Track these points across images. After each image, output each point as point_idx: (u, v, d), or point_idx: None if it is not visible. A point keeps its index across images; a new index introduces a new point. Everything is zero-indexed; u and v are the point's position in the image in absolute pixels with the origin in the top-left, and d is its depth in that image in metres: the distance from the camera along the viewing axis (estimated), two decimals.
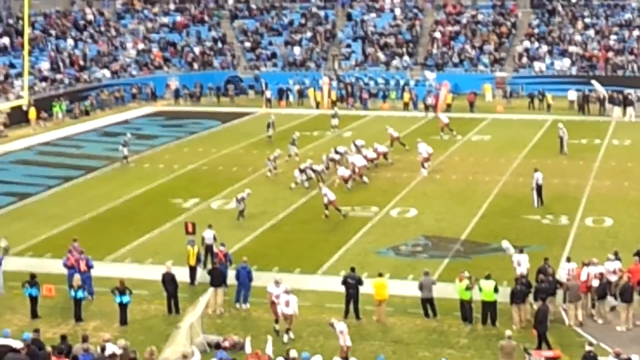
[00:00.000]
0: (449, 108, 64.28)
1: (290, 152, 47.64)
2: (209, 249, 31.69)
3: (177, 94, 71.00)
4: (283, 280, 27.46)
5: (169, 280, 28.22)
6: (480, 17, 78.47)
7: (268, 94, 68.53)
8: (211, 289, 27.60)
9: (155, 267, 31.88)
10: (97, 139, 56.07)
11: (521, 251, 29.32)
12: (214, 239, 31.94)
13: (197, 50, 77.35)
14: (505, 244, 31.72)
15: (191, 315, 24.81)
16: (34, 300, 28.15)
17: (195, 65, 75.73)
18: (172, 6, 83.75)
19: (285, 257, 33.18)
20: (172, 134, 57.14)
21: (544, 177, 39.51)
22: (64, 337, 23.40)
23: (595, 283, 27.00)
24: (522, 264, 28.66)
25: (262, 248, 34.26)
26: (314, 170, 43.43)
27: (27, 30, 57.28)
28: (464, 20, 78.21)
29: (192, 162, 48.80)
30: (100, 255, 32.26)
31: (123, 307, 27.53)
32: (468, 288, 26.77)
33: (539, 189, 39.23)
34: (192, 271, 30.51)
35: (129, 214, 39.35)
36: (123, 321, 27.42)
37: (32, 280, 28.28)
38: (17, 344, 22.51)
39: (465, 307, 26.98)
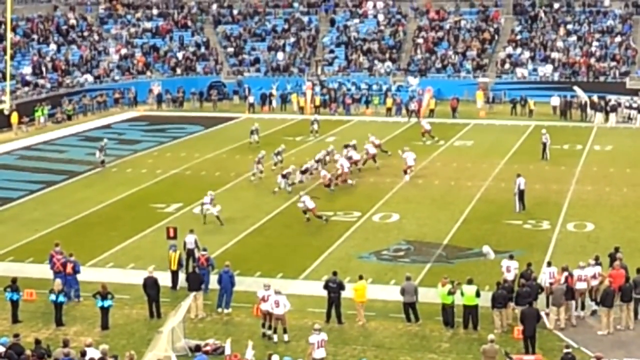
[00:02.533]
0: (432, 113, 64.49)
1: (275, 161, 47.49)
2: (190, 253, 31.64)
3: (159, 99, 70.89)
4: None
5: (150, 285, 28.13)
6: (463, 23, 78.73)
7: (251, 99, 68.51)
8: (192, 294, 27.54)
9: (137, 271, 31.82)
10: (79, 144, 55.92)
11: (511, 257, 29.36)
12: (196, 243, 31.89)
13: (180, 55, 77.28)
14: (485, 249, 31.82)
15: (172, 319, 24.74)
16: (15, 304, 28.02)
17: (178, 70, 75.68)
18: (155, 11, 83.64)
19: (268, 261, 33.16)
20: (155, 139, 57.04)
21: (526, 183, 39.65)
22: (38, 342, 23.32)
23: (582, 285, 27.16)
24: (512, 270, 28.72)
25: (244, 252, 34.22)
26: (304, 171, 43.82)
27: (9, 35, 57.11)
28: (447, 26, 78.44)
29: (174, 167, 48.73)
30: (82, 260, 32.03)
31: (105, 311, 27.41)
32: (450, 293, 26.81)
33: (521, 194, 39.35)
34: (174, 276, 30.43)
35: (111, 219, 39.23)
36: (104, 326, 27.31)
37: (13, 284, 28.14)
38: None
39: (447, 312, 27.01)
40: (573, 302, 27.24)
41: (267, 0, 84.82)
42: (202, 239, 32.44)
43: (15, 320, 27.91)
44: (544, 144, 49.65)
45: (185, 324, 26.12)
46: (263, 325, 26.55)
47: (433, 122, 57.36)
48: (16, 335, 23.63)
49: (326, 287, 27.69)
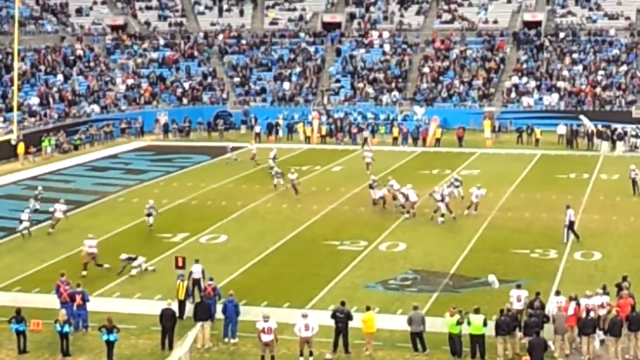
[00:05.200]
0: (438, 143, 64.54)
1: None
2: (196, 283, 31.60)
3: (166, 129, 71.07)
4: (272, 314, 27.34)
5: (167, 317, 28.05)
6: (468, 52, 78.90)
7: (257, 128, 68.65)
8: (199, 324, 27.48)
9: (144, 301, 31.89)
10: (86, 174, 55.97)
11: (518, 286, 29.21)
12: (202, 273, 31.86)
13: (186, 85, 77.53)
14: (490, 278, 31.74)
15: (179, 350, 24.67)
16: (21, 335, 27.96)
17: (185, 100, 75.90)
18: (161, 41, 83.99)
19: (275, 291, 33.05)
20: (162, 169, 57.12)
21: (575, 214, 39.64)
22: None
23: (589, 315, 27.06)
24: (522, 299, 28.55)
25: (251, 282, 34.14)
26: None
27: (17, 65, 57.37)
28: (453, 56, 78.60)
29: (181, 197, 48.74)
30: (88, 290, 31.95)
31: (110, 344, 27.33)
32: (459, 322, 26.69)
33: (571, 225, 39.08)
34: (181, 305, 30.36)
35: (118, 249, 39.11)
36: (110, 358, 27.21)
37: (18, 315, 28.09)
38: None
39: (455, 341, 26.88)
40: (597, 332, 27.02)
41: (273, 31, 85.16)
42: (208, 268, 32.40)
43: (21, 350, 27.85)
44: (634, 180, 48.14)
45: (192, 354, 26.03)
46: (262, 358, 26.47)
47: (439, 152, 57.27)
48: None
49: (334, 316, 27.61)
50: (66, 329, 27.59)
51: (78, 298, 29.43)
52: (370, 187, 46.37)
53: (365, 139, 64.39)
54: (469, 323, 26.64)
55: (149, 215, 42.13)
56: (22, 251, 39.12)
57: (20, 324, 27.93)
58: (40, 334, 28.96)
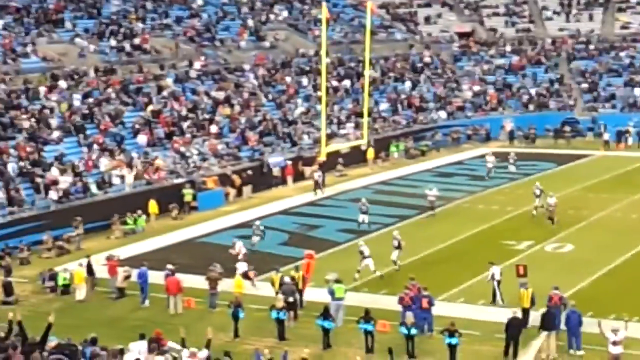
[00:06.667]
0: None
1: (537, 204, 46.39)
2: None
3: (511, 136, 70.74)
4: (626, 327, 26.45)
5: (515, 325, 27.98)
6: None
7: (606, 136, 66.65)
8: (544, 333, 27.11)
9: (487, 308, 31.93)
10: (432, 179, 56.80)
11: None
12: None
13: (532, 91, 76.73)
14: None
15: (524, 358, 24.47)
16: (369, 335, 28.90)
17: (531, 107, 75.12)
18: (508, 48, 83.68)
19: (622, 304, 31.82)
20: (506, 176, 56.84)
21: None
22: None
23: None
24: None
25: (597, 294, 33.19)
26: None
27: (368, 73, 59.39)
28: None
29: (526, 204, 48.23)
30: (432, 294, 32.57)
31: (452, 348, 27.65)
32: None
33: None
34: (525, 313, 30.09)
35: (462, 254, 39.51)
36: None
37: (367, 315, 29.08)
38: None
39: None
40: None
41: (624, 35, 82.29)
42: (555, 277, 31.93)
43: (368, 349, 28.78)
44: None
45: None
46: None
47: None
48: None
49: None
50: (412, 331, 28.22)
51: (424, 301, 30.01)
52: None
53: None
54: None
55: (257, 236, 41.77)
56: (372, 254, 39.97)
57: (369, 324, 28.90)
58: (387, 335, 29.75)
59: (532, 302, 29.99)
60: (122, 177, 48.88)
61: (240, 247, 38.69)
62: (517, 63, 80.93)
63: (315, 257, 35.98)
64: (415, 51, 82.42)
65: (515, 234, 42.33)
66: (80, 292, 35.32)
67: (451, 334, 27.54)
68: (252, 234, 41.93)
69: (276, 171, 56.14)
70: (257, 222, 42.65)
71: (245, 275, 35.67)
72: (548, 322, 27.94)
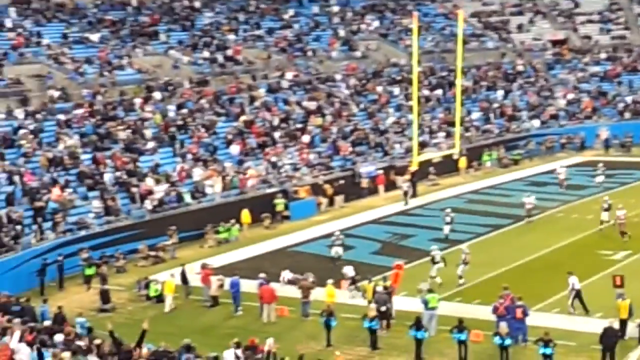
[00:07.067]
0: None
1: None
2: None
3: (607, 144, 69.57)
4: None
5: (610, 335, 27.54)
6: None
7: None
8: None
9: (583, 318, 31.52)
10: (525, 188, 55.96)
11: None
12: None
13: (628, 99, 75.30)
14: None
15: None
16: (462, 345, 28.71)
17: (627, 115, 73.73)
18: (603, 55, 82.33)
19: None
20: (602, 185, 55.83)
21: None
22: None
23: None
24: None
25: None
26: None
27: (459, 82, 59.06)
28: None
29: None
30: (527, 304, 32.20)
31: (547, 358, 27.31)
32: None
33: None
34: (623, 324, 29.55)
35: (556, 264, 38.94)
36: None
37: (460, 325, 28.90)
38: None
39: None
40: None
41: None
42: None
43: (462, 359, 28.62)
44: None
45: None
46: None
47: None
48: None
49: None
50: (507, 342, 27.94)
51: (519, 311, 29.71)
52: None
53: None
54: None
55: (339, 245, 41.45)
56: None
57: (462, 334, 28.71)
58: (480, 345, 29.52)
59: (630, 313, 29.45)
60: (212, 187, 49.44)
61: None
62: (612, 70, 79.55)
63: (404, 268, 35.94)
64: (508, 59, 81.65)
65: (612, 244, 41.63)
66: (169, 303, 35.70)
67: (546, 344, 27.22)
68: (331, 244, 41.96)
69: (365, 182, 55.96)
70: (337, 232, 42.67)
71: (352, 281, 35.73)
72: None
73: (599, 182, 55.39)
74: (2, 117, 49.59)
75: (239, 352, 25.36)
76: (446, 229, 44.77)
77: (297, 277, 37.03)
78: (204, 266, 37.32)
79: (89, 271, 39.21)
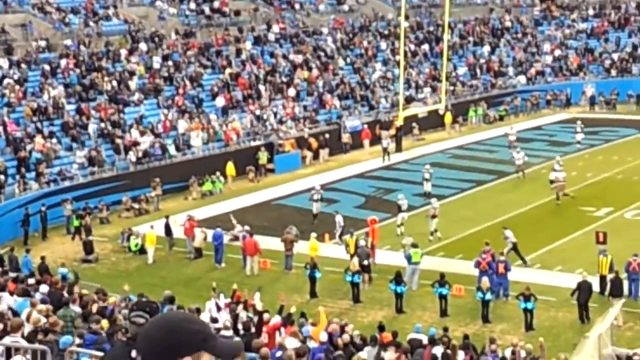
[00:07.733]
0: None
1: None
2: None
3: (592, 101, 69.62)
4: None
5: (584, 289, 27.81)
6: None
7: None
8: (621, 301, 26.82)
9: (563, 274, 31.69)
10: (509, 145, 56.21)
11: None
12: None
13: (615, 56, 75.26)
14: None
15: (600, 325, 24.24)
16: (443, 299, 28.91)
17: (613, 72, 73.73)
18: (590, 12, 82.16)
19: None
20: (586, 142, 55.99)
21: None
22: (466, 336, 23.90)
23: None
24: None
25: None
26: None
27: (447, 37, 58.89)
28: None
29: (605, 171, 47.63)
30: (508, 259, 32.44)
31: (528, 312, 27.56)
32: None
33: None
34: (603, 281, 29.80)
35: (537, 221, 39.14)
36: (528, 326, 27.42)
37: (442, 279, 29.08)
38: (423, 337, 23.26)
39: None
40: None
41: None
42: (631, 245, 31.58)
43: (442, 313, 28.81)
44: None
45: (613, 331, 25.45)
46: None
47: None
48: (445, 329, 24.38)
49: None
50: (488, 296, 28.14)
51: (501, 267, 29.89)
52: None
53: None
54: None
55: (315, 200, 40.68)
56: (447, 218, 39.13)
57: (443, 288, 28.90)
58: (462, 300, 29.75)
59: (611, 269, 29.67)
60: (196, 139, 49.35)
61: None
62: (600, 27, 79.41)
63: (379, 222, 36.07)
64: (496, 15, 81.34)
65: (595, 201, 41.81)
66: (151, 255, 35.76)
67: (526, 298, 27.43)
68: (310, 198, 41.43)
69: (347, 137, 55.63)
70: (317, 186, 42.13)
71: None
72: (616, 289, 27.71)
73: (579, 140, 55.46)
74: None
75: (220, 301, 25.46)
76: (426, 185, 44.49)
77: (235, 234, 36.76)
78: (190, 218, 37.31)
79: (77, 223, 39.13)
